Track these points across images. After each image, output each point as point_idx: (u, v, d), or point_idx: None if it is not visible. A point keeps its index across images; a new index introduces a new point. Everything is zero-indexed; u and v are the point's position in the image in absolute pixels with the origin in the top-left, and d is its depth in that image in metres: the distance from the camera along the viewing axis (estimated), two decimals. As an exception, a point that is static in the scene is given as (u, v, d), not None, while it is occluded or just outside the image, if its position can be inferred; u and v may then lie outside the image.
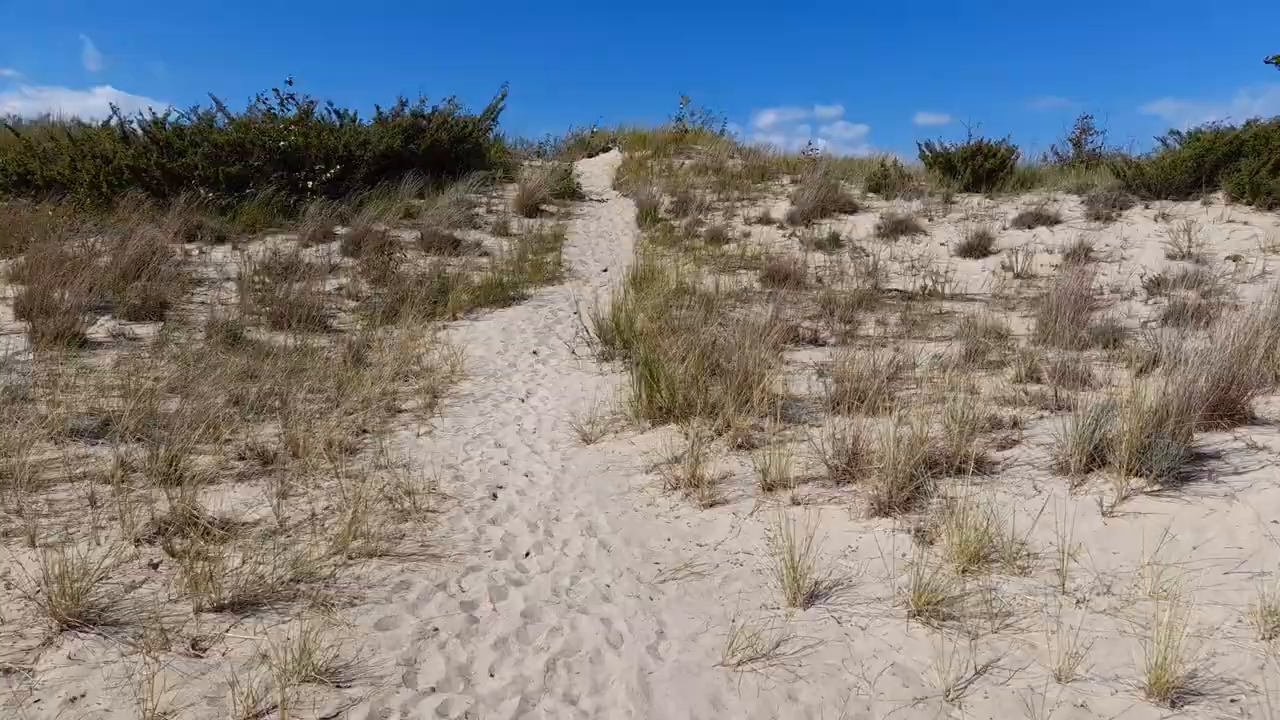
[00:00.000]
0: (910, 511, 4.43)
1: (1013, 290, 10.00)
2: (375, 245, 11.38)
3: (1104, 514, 4.33)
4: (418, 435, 5.85)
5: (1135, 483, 4.53)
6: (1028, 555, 4.00)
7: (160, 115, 13.79)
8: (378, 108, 14.53)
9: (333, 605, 3.64)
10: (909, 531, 4.25)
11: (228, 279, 10.42)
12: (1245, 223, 11.06)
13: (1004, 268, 10.73)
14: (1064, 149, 17.12)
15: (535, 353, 7.99)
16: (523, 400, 6.68)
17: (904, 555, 4.07)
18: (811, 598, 3.77)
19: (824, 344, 8.09)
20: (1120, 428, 4.71)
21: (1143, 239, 11.16)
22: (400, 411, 6.31)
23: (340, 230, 12.28)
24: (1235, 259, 10.11)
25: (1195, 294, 9.06)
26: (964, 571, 3.87)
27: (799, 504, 4.66)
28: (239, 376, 6.91)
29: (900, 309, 9.31)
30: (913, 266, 11.09)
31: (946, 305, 9.41)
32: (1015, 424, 5.53)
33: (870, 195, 14.03)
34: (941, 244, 11.89)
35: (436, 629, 3.54)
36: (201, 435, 5.41)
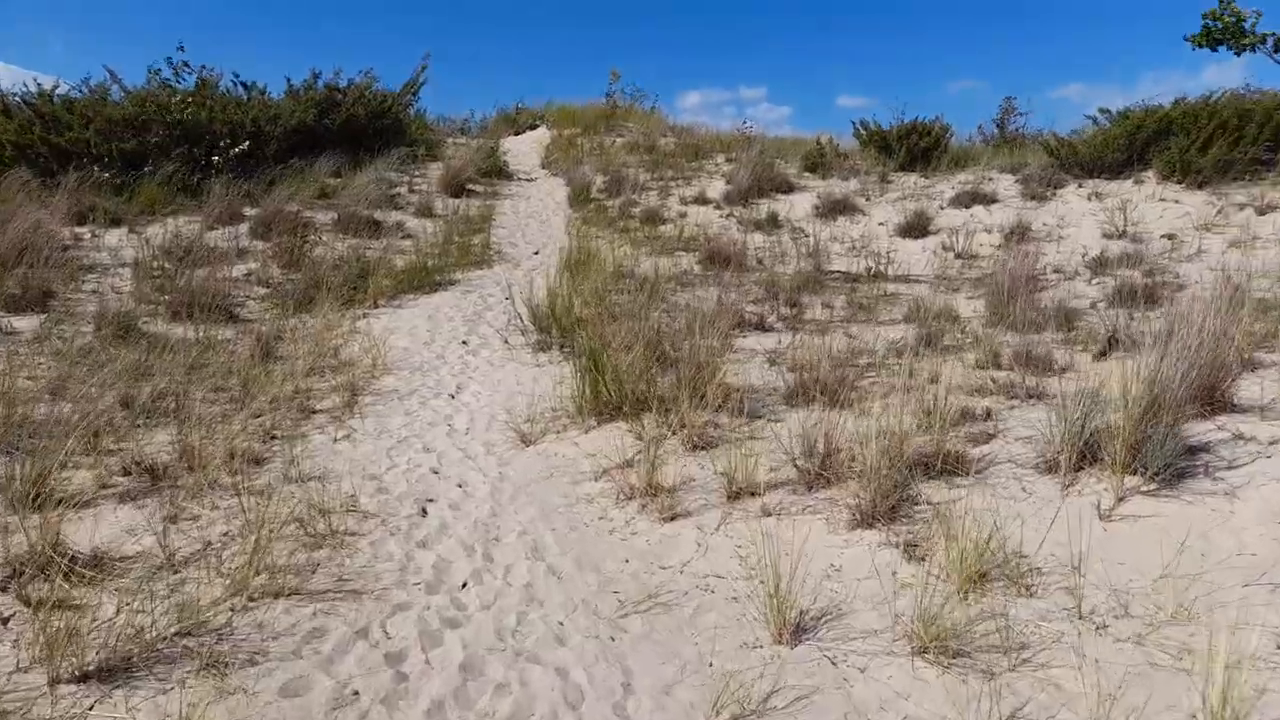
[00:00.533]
0: (896, 522, 3.92)
1: (955, 271, 9.66)
2: (287, 227, 10.46)
3: (1103, 518, 3.89)
4: (335, 440, 5.11)
5: (1130, 481, 4.11)
6: (1031, 571, 3.53)
7: (47, 88, 12.54)
8: (288, 80, 13.48)
9: (227, 666, 2.94)
10: (898, 546, 3.74)
11: (122, 265, 9.43)
12: (1177, 201, 10.93)
13: (944, 248, 10.40)
14: (989, 130, 17.01)
15: (465, 343, 7.29)
16: (453, 396, 5.98)
17: (895, 574, 3.56)
18: (799, 631, 3.22)
19: (771, 329, 7.58)
20: (1112, 420, 4.29)
21: (1078, 218, 10.94)
22: (315, 412, 5.56)
23: (249, 211, 11.30)
24: (1170, 237, 9.94)
25: (1137, 273, 8.83)
26: (965, 594, 3.38)
27: (770, 514, 4.11)
28: (130, 374, 6.07)
29: (845, 291, 8.87)
30: (854, 247, 10.67)
31: (891, 287, 9.00)
32: (989, 415, 5.09)
33: (806, 174, 13.59)
34: (880, 224, 11.51)
35: (356, 692, 2.88)
36: (80, 445, 4.61)
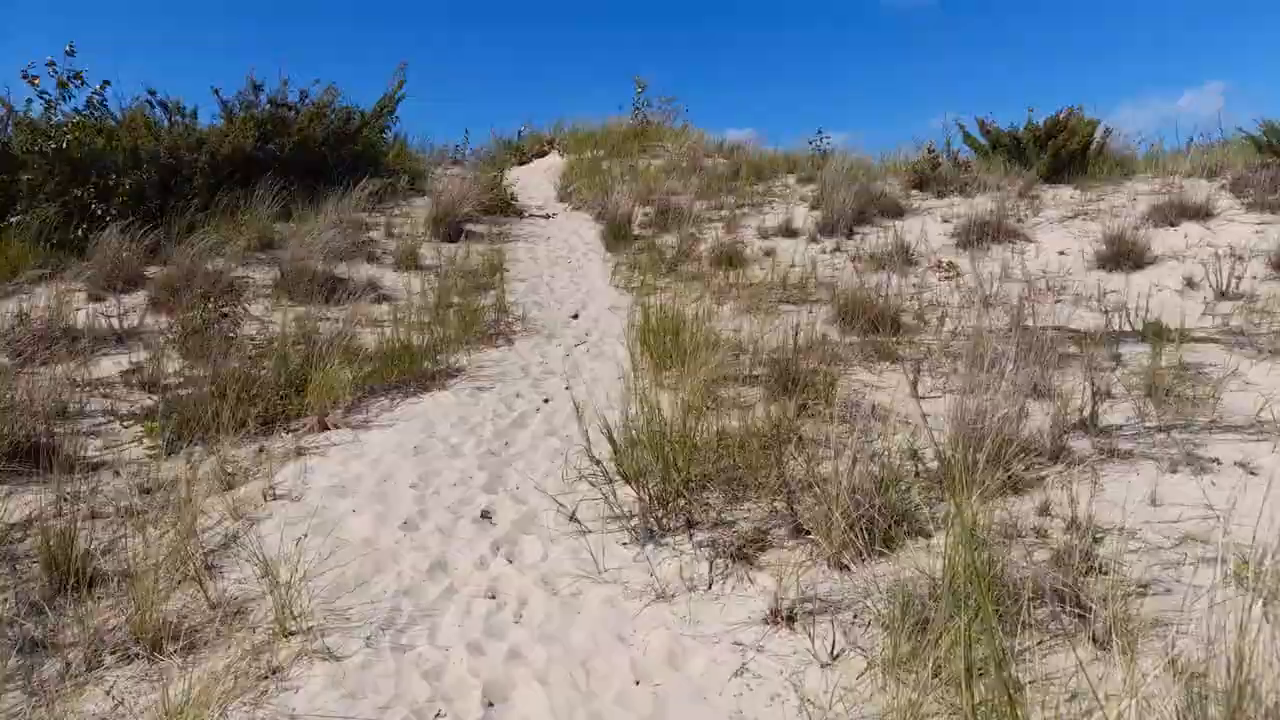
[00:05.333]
0: None
1: (1247, 320, 6.02)
2: (201, 293, 6.78)
3: None
4: None
5: None
6: None
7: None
8: (216, 92, 9.77)
9: None
10: None
11: (-75, 365, 5.74)
12: None
13: (1189, 285, 6.79)
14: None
15: (487, 517, 3.56)
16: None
17: None
18: None
19: (1074, 459, 3.89)
20: None
21: (1356, 234, 7.38)
22: None
23: (154, 271, 7.64)
24: None
25: None
26: None
27: None
28: None
29: (1096, 363, 5.22)
30: (1049, 287, 7.05)
31: (1170, 353, 5.34)
32: None
33: (914, 193, 10.02)
34: (1061, 253, 7.90)
35: None
36: None
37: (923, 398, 4.90)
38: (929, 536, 3.01)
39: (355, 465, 4.20)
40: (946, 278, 7.56)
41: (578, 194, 11.28)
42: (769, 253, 8.49)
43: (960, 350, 5.57)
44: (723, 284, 7.50)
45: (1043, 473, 3.65)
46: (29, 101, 8.67)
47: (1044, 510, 3.19)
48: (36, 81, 8.48)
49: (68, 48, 8.36)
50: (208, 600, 2.86)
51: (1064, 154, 9.67)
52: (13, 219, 8.17)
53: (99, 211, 8.09)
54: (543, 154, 14.04)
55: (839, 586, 2.79)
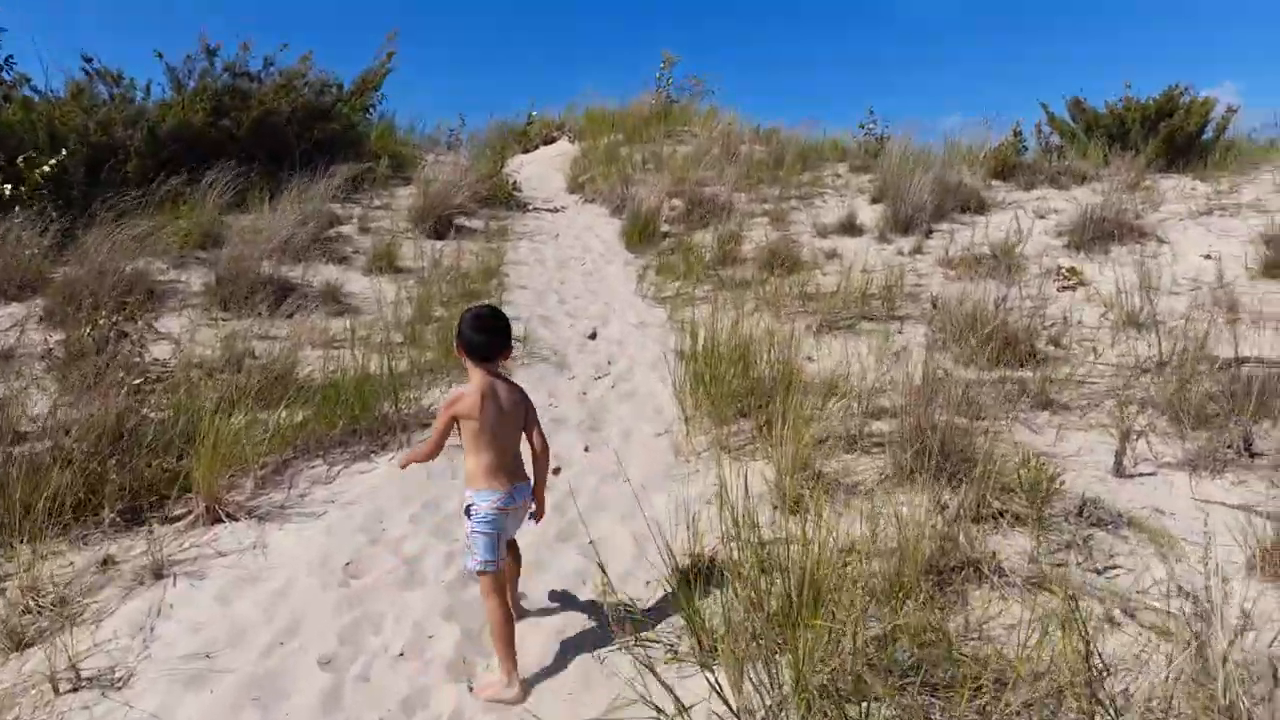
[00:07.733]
0: None
1: None
2: (94, 303, 5.10)
3: None
4: None
5: None
6: None
7: None
8: (160, 55, 8.05)
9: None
10: None
11: None
12: None
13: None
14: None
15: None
16: None
17: None
18: None
19: None
20: None
21: None
22: None
23: (61, 273, 5.96)
24: None
25: None
26: None
27: None
28: None
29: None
30: (1215, 302, 5.35)
31: None
32: None
33: (996, 184, 8.31)
34: (1206, 256, 6.20)
35: None
36: None
37: (1131, 476, 3.21)
38: None
39: (244, 600, 2.52)
40: (1068, 287, 5.87)
41: (592, 184, 9.57)
42: (831, 255, 6.79)
43: (1155, 397, 3.88)
44: (779, 293, 5.81)
45: None
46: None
47: None
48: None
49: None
50: None
51: (1179, 138, 7.95)
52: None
53: (4, 194, 6.42)
54: (551, 140, 12.32)
55: None
